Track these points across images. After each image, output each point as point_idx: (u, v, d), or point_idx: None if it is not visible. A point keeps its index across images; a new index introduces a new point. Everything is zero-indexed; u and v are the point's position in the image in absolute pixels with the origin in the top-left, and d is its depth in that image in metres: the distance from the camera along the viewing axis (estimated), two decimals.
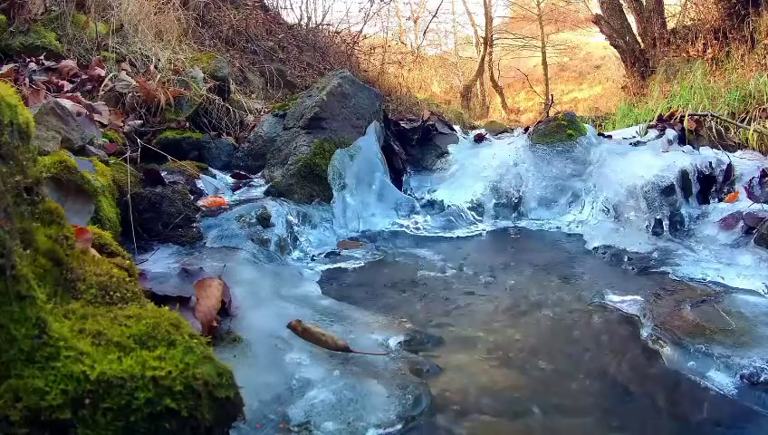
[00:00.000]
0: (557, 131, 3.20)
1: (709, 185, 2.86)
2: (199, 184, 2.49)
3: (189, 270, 1.53)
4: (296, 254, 2.26)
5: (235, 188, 2.70)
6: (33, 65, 2.91)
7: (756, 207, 2.48)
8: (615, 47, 9.47)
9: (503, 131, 4.16)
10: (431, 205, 3.06)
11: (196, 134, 3.02)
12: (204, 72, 3.38)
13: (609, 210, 2.81)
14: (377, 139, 3.08)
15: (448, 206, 3.01)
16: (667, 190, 2.69)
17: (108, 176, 1.89)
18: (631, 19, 9.17)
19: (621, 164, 2.97)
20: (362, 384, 1.19)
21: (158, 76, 3.09)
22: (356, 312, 1.63)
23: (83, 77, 2.94)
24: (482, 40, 17.49)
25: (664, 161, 2.88)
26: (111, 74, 2.99)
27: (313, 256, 2.29)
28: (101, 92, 2.85)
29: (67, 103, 2.13)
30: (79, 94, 2.62)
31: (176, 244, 1.95)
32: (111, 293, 0.88)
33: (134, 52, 3.45)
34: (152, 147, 2.61)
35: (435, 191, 3.19)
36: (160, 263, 1.72)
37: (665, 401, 1.24)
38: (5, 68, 2.75)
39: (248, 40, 5.82)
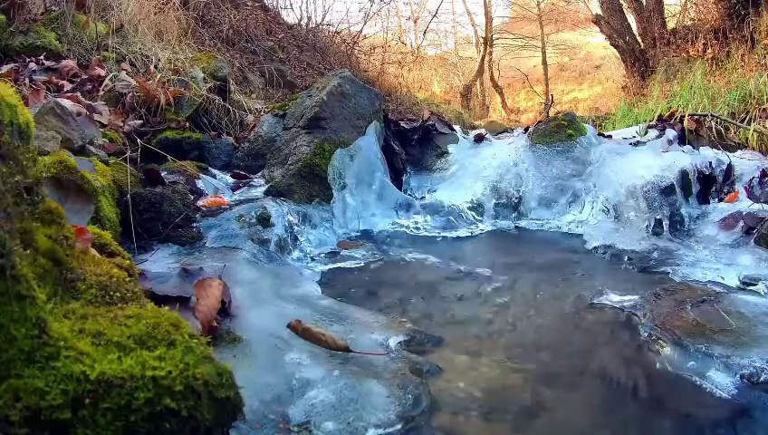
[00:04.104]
0: (557, 131, 3.20)
1: (709, 185, 2.86)
2: (199, 184, 2.49)
3: (189, 270, 1.53)
4: (296, 254, 2.26)
5: (235, 188, 2.70)
6: (33, 65, 2.91)
7: (756, 207, 2.48)
8: (615, 47, 9.48)
9: (503, 131, 4.16)
10: (431, 205, 3.06)
11: (196, 134, 3.02)
12: (204, 72, 3.38)
13: (609, 210, 2.81)
14: (377, 139, 3.08)
15: (448, 206, 3.00)
16: (667, 190, 2.69)
17: (108, 176, 1.89)
18: (631, 19, 9.18)
19: (621, 164, 2.97)
20: (362, 384, 1.19)
21: (158, 76, 3.09)
22: (356, 312, 1.63)
23: (83, 77, 2.94)
24: (482, 40, 17.50)
25: (664, 161, 2.88)
26: (111, 74, 2.99)
27: (313, 255, 2.29)
28: (101, 92, 2.85)
29: (67, 103, 2.13)
30: (79, 94, 2.62)
31: (176, 244, 1.95)
32: (111, 293, 0.88)
33: (134, 52, 3.45)
34: (152, 147, 2.61)
35: (435, 191, 3.19)
36: (160, 263, 1.72)
37: (665, 400, 1.24)
38: (5, 68, 2.76)
39: (248, 40, 5.82)
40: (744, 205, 2.55)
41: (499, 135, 3.88)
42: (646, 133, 3.39)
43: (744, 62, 5.80)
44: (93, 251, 1.03)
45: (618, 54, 9.86)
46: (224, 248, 1.93)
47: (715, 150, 3.02)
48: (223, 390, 0.77)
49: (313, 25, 7.88)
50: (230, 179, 2.83)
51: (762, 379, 1.25)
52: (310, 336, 1.34)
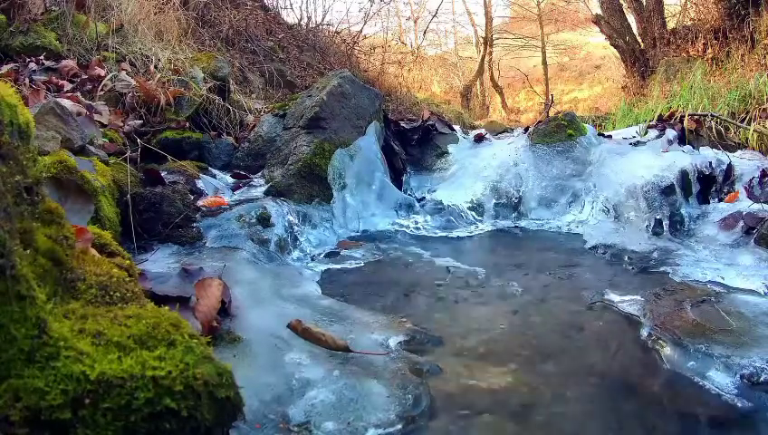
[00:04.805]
0: (557, 131, 3.20)
1: (709, 185, 2.86)
2: (199, 184, 2.49)
3: (189, 270, 1.53)
4: (296, 254, 2.26)
5: (235, 188, 2.70)
6: (33, 65, 2.91)
7: (756, 207, 2.48)
8: (615, 47, 9.48)
9: (503, 131, 4.16)
10: (431, 205, 3.06)
11: (196, 134, 3.02)
12: (204, 72, 3.38)
13: (609, 210, 2.81)
14: (377, 139, 3.08)
15: (448, 206, 3.00)
16: (667, 190, 2.69)
17: (108, 176, 1.89)
18: (631, 19, 9.19)
19: (621, 164, 2.97)
20: (362, 384, 1.19)
21: (158, 76, 3.09)
22: (356, 312, 1.63)
23: (83, 77, 2.94)
24: (482, 40, 17.50)
25: (664, 161, 2.88)
26: (111, 74, 2.99)
27: (313, 255, 2.29)
28: (101, 92, 2.84)
29: (67, 103, 2.13)
30: (79, 94, 2.62)
31: (176, 244, 1.95)
32: (111, 293, 0.88)
33: (134, 52, 3.45)
34: (152, 147, 2.61)
35: (435, 191, 3.19)
36: (160, 263, 1.72)
37: (665, 401, 1.24)
38: (5, 68, 2.76)
39: (248, 40, 5.82)
40: (744, 205, 2.55)
41: (499, 135, 3.88)
42: (646, 133, 3.39)
43: (743, 62, 5.81)
44: (93, 251, 1.03)
45: (618, 54, 9.86)
46: (224, 248, 1.93)
47: (715, 150, 3.02)
48: (223, 390, 0.77)
49: (313, 25, 7.88)
50: (230, 179, 2.83)
51: (762, 379, 1.25)
52: (310, 336, 1.34)
